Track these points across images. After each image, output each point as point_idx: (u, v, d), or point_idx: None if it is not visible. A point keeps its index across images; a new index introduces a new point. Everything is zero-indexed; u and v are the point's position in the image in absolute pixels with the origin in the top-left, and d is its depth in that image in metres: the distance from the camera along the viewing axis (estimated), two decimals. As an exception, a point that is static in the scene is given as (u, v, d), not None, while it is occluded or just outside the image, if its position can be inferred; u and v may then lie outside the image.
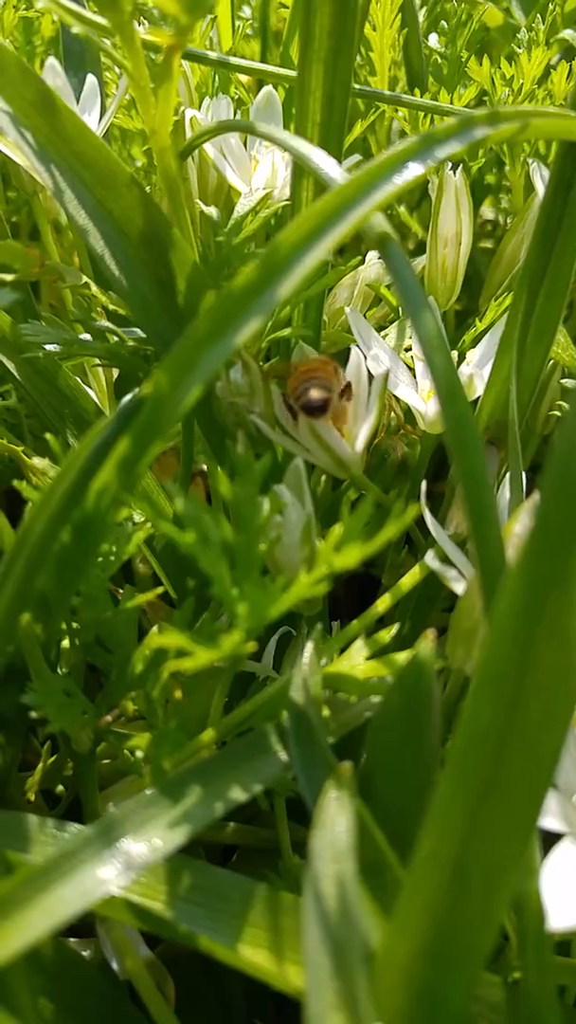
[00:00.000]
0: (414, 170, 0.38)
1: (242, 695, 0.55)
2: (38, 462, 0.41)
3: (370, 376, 0.48)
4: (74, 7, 0.45)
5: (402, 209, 0.72)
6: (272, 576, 0.46)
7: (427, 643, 0.37)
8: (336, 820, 0.35)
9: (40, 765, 0.56)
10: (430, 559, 0.43)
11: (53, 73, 0.56)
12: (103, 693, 0.45)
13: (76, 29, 0.43)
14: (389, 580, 0.62)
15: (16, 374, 0.54)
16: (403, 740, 0.37)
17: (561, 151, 0.45)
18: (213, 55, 0.52)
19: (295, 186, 0.49)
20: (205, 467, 0.66)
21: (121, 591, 0.59)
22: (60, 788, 0.59)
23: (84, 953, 0.46)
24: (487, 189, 0.80)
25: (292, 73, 0.48)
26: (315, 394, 0.44)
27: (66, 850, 0.32)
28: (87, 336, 0.52)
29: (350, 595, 0.78)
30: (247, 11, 0.92)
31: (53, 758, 0.56)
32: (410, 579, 0.48)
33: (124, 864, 0.33)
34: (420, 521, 0.45)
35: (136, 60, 0.44)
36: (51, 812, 0.57)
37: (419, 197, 0.82)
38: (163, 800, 0.36)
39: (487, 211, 0.84)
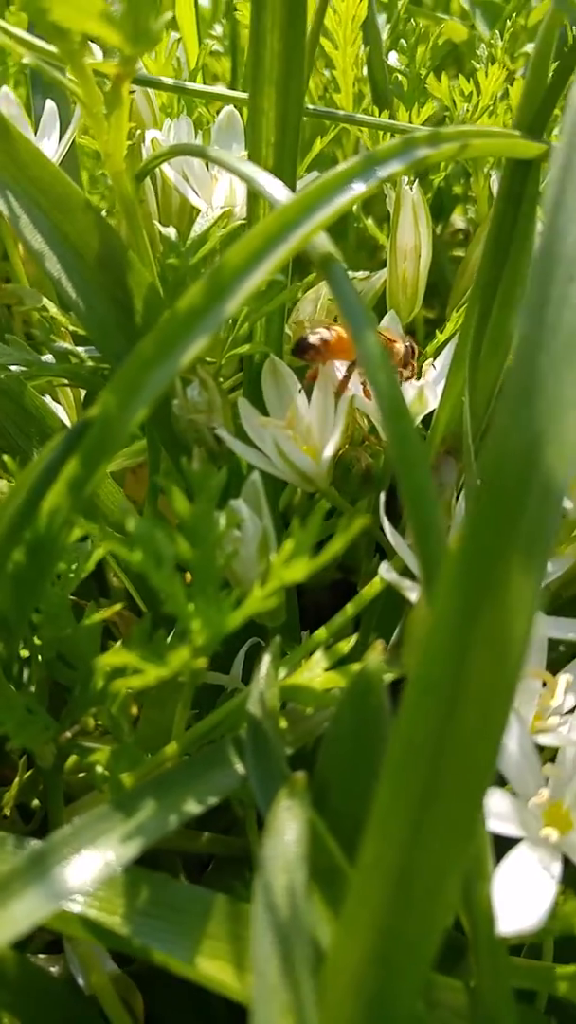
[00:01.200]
0: (356, 190, 0.38)
1: (212, 707, 0.55)
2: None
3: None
4: (26, 36, 0.46)
5: (369, 222, 0.73)
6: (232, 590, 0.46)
7: (375, 654, 0.37)
8: (287, 830, 0.35)
9: (16, 780, 0.57)
10: (384, 570, 0.43)
11: (7, 101, 0.57)
12: (67, 708, 0.46)
13: (27, 59, 0.44)
14: (362, 586, 0.62)
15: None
16: (354, 750, 0.38)
17: (510, 167, 0.46)
18: (169, 80, 0.53)
19: (251, 205, 0.50)
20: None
21: (93, 604, 0.60)
22: (36, 802, 0.60)
23: (52, 969, 0.47)
24: (456, 198, 0.81)
25: (245, 95, 0.48)
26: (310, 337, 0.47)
27: (17, 867, 0.33)
28: (50, 357, 0.53)
29: (335, 600, 0.78)
30: (219, 29, 0.94)
31: (29, 772, 0.57)
32: (371, 589, 0.48)
33: (75, 880, 0.33)
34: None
35: (88, 87, 0.45)
36: (26, 827, 0.58)
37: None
38: (116, 814, 0.36)
39: (458, 220, 0.85)
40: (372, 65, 0.71)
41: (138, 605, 0.62)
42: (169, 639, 0.54)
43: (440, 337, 0.57)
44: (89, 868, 0.34)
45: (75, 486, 0.38)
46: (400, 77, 0.63)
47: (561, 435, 0.30)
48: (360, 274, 0.54)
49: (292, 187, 0.49)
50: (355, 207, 0.71)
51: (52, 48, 0.44)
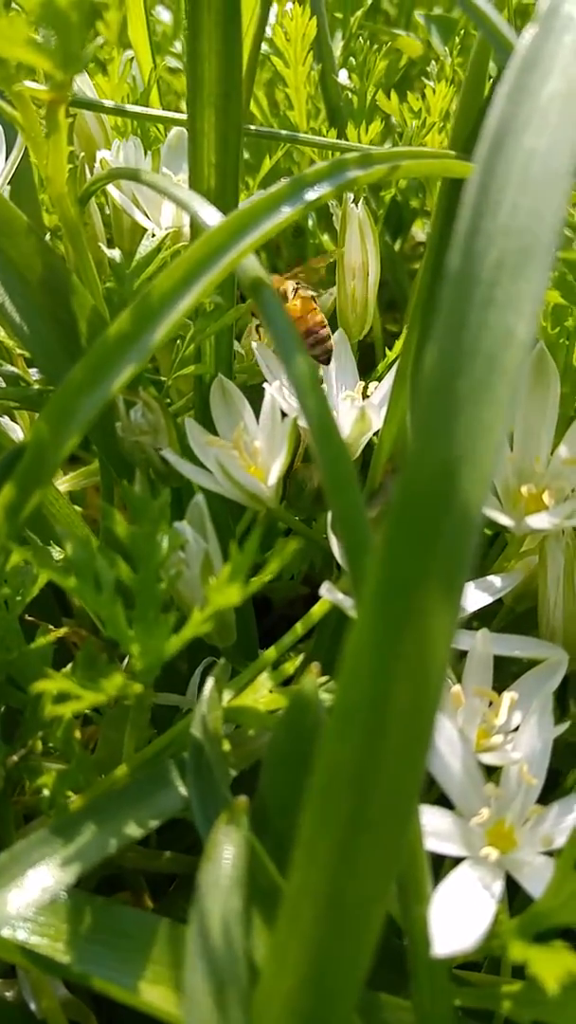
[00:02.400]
0: (285, 213, 0.39)
1: (170, 727, 0.55)
2: None
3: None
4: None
5: (325, 238, 0.73)
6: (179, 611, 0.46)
7: (311, 677, 0.37)
8: (223, 855, 0.35)
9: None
10: (326, 589, 0.43)
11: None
12: (19, 731, 0.46)
13: (-37, 85, 0.44)
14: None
15: None
16: (291, 771, 0.38)
17: (445, 187, 0.46)
18: (109, 103, 0.53)
19: (194, 226, 0.50)
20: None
21: (44, 626, 0.60)
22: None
23: (7, 994, 0.46)
24: (415, 212, 0.82)
25: (183, 117, 0.49)
26: None
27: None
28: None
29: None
30: (179, 46, 0.94)
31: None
32: (320, 608, 0.48)
33: (13, 907, 0.33)
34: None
35: (26, 112, 0.45)
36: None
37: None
38: (55, 839, 0.36)
39: (419, 233, 0.86)
40: (325, 82, 0.72)
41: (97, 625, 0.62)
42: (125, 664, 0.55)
43: (390, 355, 0.57)
44: (28, 895, 0.34)
45: (11, 511, 0.38)
46: (350, 95, 0.63)
47: (479, 459, 0.31)
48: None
49: (235, 207, 0.50)
50: (310, 223, 0.71)
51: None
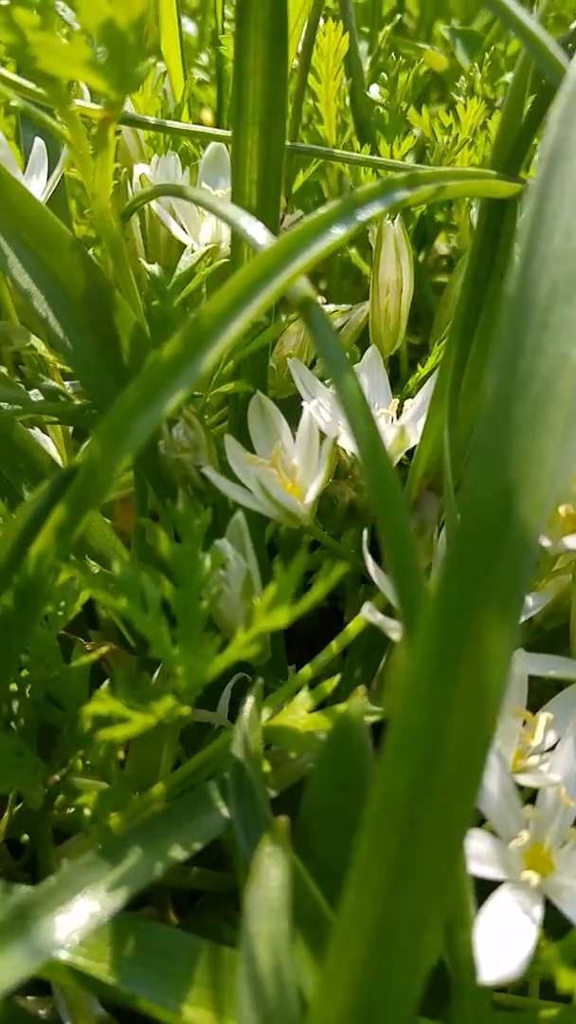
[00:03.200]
0: (337, 233, 0.39)
1: (199, 742, 0.55)
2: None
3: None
4: (14, 78, 0.46)
5: (353, 251, 0.73)
6: (219, 629, 0.46)
7: (358, 700, 0.37)
8: (270, 877, 0.35)
9: (6, 815, 0.57)
10: (367, 611, 0.43)
11: (-4, 143, 0.57)
12: (57, 749, 0.46)
13: (15, 101, 0.44)
14: (349, 617, 0.62)
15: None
16: (336, 795, 0.38)
17: (487, 205, 0.46)
18: (152, 120, 0.53)
19: (235, 242, 0.51)
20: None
21: (83, 641, 0.60)
22: (25, 837, 0.60)
23: (40, 1012, 0.46)
24: (439, 225, 0.82)
25: (228, 134, 0.49)
26: None
27: (3, 921, 0.33)
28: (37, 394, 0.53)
29: (326, 627, 0.78)
30: (204, 58, 0.94)
31: (19, 806, 0.57)
32: (356, 625, 0.48)
33: (62, 934, 0.33)
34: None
35: (75, 130, 0.45)
36: (15, 862, 0.58)
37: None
38: (103, 863, 0.36)
39: (441, 246, 0.86)
40: (355, 96, 0.72)
41: (127, 639, 0.62)
42: (154, 679, 0.55)
43: (422, 371, 0.57)
44: (75, 921, 0.34)
45: (62, 532, 0.38)
46: (381, 110, 0.63)
47: (535, 486, 0.31)
48: (342, 307, 0.55)
49: (275, 222, 0.50)
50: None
51: (40, 90, 0.44)
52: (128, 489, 0.64)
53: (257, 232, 0.40)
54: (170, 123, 0.54)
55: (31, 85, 0.45)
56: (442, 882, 0.31)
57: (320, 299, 0.60)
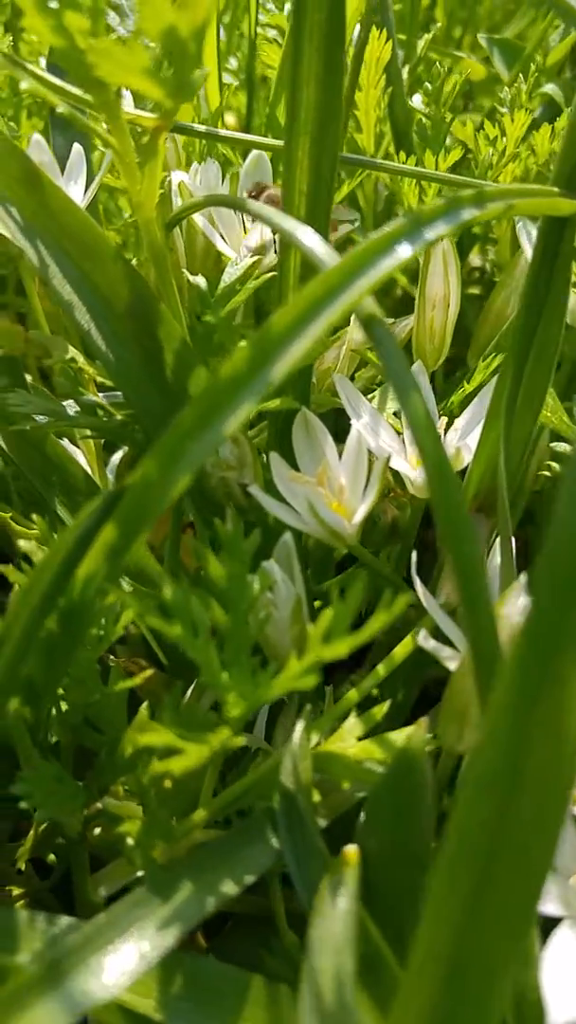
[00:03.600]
0: (403, 252, 0.37)
1: (234, 764, 0.54)
2: (24, 544, 0.40)
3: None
4: (60, 83, 0.45)
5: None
6: (262, 653, 0.45)
7: (419, 732, 0.36)
8: (335, 910, 0.34)
9: (32, 833, 0.56)
10: (423, 638, 0.42)
11: (39, 149, 0.56)
12: (93, 773, 0.45)
13: (61, 108, 0.43)
14: (375, 625, 0.61)
15: (2, 442, 0.53)
16: (394, 831, 0.37)
17: (547, 222, 0.45)
18: (201, 127, 0.52)
19: (283, 255, 0.49)
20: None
21: (112, 658, 0.58)
22: (52, 857, 0.58)
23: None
24: (474, 237, 0.81)
25: (279, 143, 0.48)
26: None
27: (53, 961, 0.32)
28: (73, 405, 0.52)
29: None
30: (234, 62, 0.93)
31: (44, 825, 0.55)
32: (402, 650, 0.47)
33: (112, 974, 0.32)
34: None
35: (122, 137, 0.44)
36: (42, 883, 0.56)
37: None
38: (153, 899, 0.35)
39: (474, 259, 0.85)
40: (394, 105, 0.71)
41: (152, 648, 0.61)
42: (187, 697, 0.54)
43: (467, 387, 0.56)
44: (125, 962, 0.33)
45: (113, 554, 0.36)
46: (424, 120, 0.62)
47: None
48: (388, 321, 0.53)
49: (325, 235, 0.48)
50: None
51: (84, 95, 0.43)
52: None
53: (319, 248, 0.39)
54: (222, 132, 0.53)
55: (73, 89, 0.44)
56: (518, 925, 0.30)
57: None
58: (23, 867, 0.56)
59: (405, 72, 0.74)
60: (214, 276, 0.51)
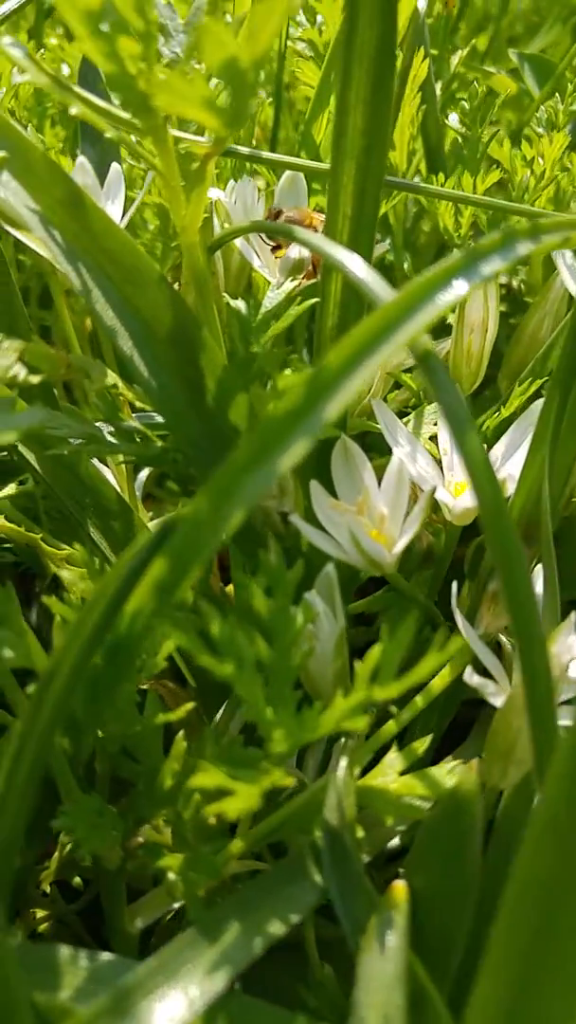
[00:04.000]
0: (459, 288, 0.37)
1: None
2: (66, 576, 0.39)
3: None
4: (106, 106, 0.45)
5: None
6: (304, 688, 0.45)
7: (471, 776, 0.36)
8: (385, 946, 0.34)
9: (56, 855, 0.55)
10: (468, 675, 0.42)
11: (83, 171, 0.55)
12: (129, 802, 0.44)
13: (110, 133, 0.42)
14: (389, 634, 0.60)
15: (36, 464, 0.53)
16: (443, 873, 0.36)
17: (595, 254, 0.44)
18: (245, 150, 0.51)
19: (324, 279, 0.49)
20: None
21: (155, 699, 0.58)
22: (77, 880, 0.58)
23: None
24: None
25: (324, 166, 0.47)
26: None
27: (103, 1009, 0.31)
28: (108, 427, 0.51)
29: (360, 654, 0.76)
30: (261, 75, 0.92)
31: (69, 847, 0.55)
32: (440, 682, 0.47)
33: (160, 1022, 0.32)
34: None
35: (168, 161, 0.43)
36: (68, 906, 0.56)
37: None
38: (201, 942, 0.35)
39: (501, 276, 0.84)
40: (427, 122, 0.70)
41: (178, 666, 0.60)
42: (216, 721, 0.53)
43: (504, 412, 0.55)
44: (175, 1009, 0.32)
45: (163, 590, 0.36)
46: (460, 140, 0.61)
47: None
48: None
49: (369, 259, 0.48)
50: (406, 266, 0.70)
51: (131, 118, 0.42)
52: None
53: (374, 282, 0.39)
54: (264, 154, 0.52)
55: (121, 112, 0.44)
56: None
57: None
58: (48, 889, 0.56)
59: (438, 88, 0.74)
60: (247, 295, 0.50)
